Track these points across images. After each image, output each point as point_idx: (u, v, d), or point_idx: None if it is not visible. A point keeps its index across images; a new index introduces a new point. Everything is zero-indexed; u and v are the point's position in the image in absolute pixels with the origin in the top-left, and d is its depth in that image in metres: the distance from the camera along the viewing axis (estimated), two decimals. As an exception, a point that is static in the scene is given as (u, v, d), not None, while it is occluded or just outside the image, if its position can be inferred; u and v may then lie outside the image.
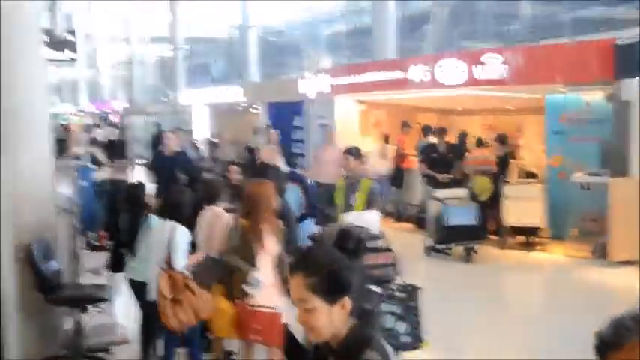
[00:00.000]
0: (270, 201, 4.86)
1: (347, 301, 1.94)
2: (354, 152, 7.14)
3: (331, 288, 1.91)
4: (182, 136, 12.07)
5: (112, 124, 30.46)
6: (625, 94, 9.21)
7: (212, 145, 14.16)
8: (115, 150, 18.68)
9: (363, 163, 7.22)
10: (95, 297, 5.72)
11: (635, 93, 9.21)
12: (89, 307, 5.78)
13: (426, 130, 12.18)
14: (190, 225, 5.19)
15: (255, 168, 7.14)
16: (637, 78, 9.31)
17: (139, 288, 5.25)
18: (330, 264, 1.94)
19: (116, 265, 5.81)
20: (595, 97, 9.76)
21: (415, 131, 13.10)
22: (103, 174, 10.35)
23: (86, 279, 6.76)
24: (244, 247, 4.71)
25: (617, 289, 7.59)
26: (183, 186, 7.07)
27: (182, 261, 4.90)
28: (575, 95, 10.01)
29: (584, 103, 9.97)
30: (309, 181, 8.70)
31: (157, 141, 17.56)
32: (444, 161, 10.62)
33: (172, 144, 9.83)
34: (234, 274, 4.72)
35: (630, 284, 7.27)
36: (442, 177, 10.44)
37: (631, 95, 9.18)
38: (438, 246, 9.79)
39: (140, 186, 6.17)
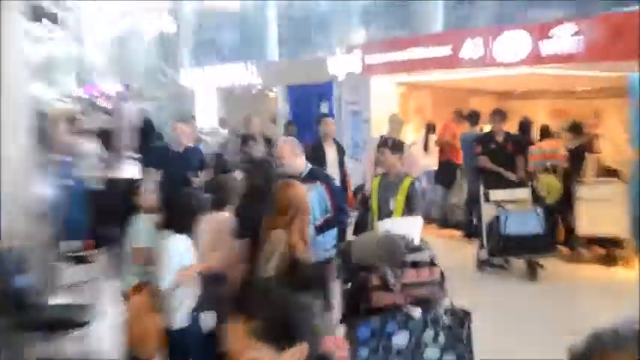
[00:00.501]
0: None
1: (300, 349, 1.89)
2: (391, 144, 7.05)
3: (281, 334, 1.86)
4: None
5: (102, 110, 30.71)
6: None
7: (243, 139, 13.46)
8: (108, 141, 18.76)
9: (402, 157, 7.12)
10: (75, 320, 5.66)
11: None
12: (67, 332, 5.73)
13: (472, 118, 11.97)
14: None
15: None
16: None
17: None
18: (281, 305, 1.91)
19: None
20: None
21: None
22: (91, 170, 10.37)
23: (65, 297, 6.73)
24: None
25: None
26: (194, 189, 7.04)
27: (167, 276, 4.80)
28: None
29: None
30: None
31: (148, 131, 17.53)
32: (503, 155, 10.38)
33: (185, 137, 9.43)
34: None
35: None
36: (509, 174, 10.20)
37: None
38: (494, 259, 9.70)
39: (135, 183, 6.23)
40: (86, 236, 9.43)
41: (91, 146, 11.55)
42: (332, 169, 8.63)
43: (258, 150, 10.43)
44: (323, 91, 16.27)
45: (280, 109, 18.73)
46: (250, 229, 5.10)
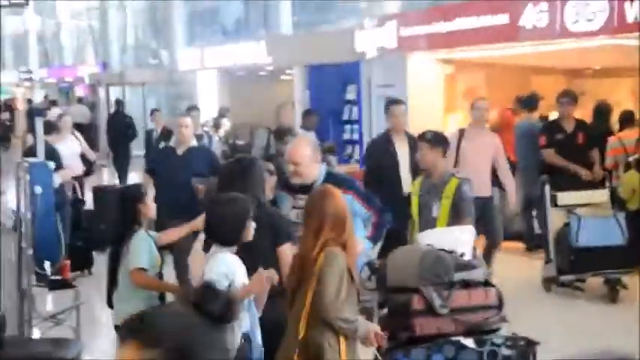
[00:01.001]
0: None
1: None
2: (432, 138, 7.13)
3: None
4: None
5: (77, 100, 30.93)
6: None
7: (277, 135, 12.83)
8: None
9: (445, 153, 7.25)
10: (54, 358, 5.78)
11: None
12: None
13: (530, 102, 11.98)
14: None
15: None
16: None
17: None
18: (181, 333, 1.87)
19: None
20: None
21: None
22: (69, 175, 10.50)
23: (41, 330, 6.87)
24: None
25: None
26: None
27: None
28: None
29: None
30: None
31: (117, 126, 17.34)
32: (573, 148, 10.35)
33: (188, 134, 9.03)
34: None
35: None
36: (582, 172, 10.11)
37: None
38: (565, 277, 9.58)
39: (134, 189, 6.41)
40: (65, 255, 9.58)
41: (72, 145, 11.69)
42: (404, 169, 8.70)
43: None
44: (349, 72, 16.32)
45: (297, 94, 18.69)
46: None
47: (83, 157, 12.02)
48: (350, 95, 16.57)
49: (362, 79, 15.86)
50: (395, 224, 7.44)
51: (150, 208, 5.87)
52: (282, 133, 10.65)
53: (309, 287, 4.46)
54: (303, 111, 14.76)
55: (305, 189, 5.80)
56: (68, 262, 9.14)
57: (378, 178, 8.68)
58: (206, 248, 4.95)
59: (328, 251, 4.49)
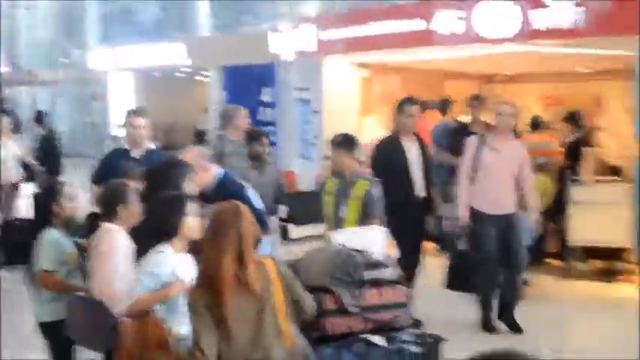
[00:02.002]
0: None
1: None
2: (342, 141, 7.27)
3: None
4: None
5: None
6: None
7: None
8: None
9: (355, 155, 7.40)
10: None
11: None
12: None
13: (443, 106, 12.25)
14: None
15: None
16: None
17: (48, 329, 5.67)
18: None
19: None
20: None
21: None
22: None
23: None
24: None
25: None
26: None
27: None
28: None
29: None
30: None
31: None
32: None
33: (144, 135, 8.16)
34: None
35: None
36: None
37: None
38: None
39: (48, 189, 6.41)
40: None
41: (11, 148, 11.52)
42: (415, 172, 8.42)
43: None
44: (264, 74, 16.36)
45: (213, 96, 18.67)
46: None
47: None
48: (266, 97, 16.58)
49: (277, 81, 15.90)
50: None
51: (64, 208, 5.83)
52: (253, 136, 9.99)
53: (275, 299, 4.14)
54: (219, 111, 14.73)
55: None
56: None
57: (388, 180, 7.96)
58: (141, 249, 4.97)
59: (279, 264, 4.37)
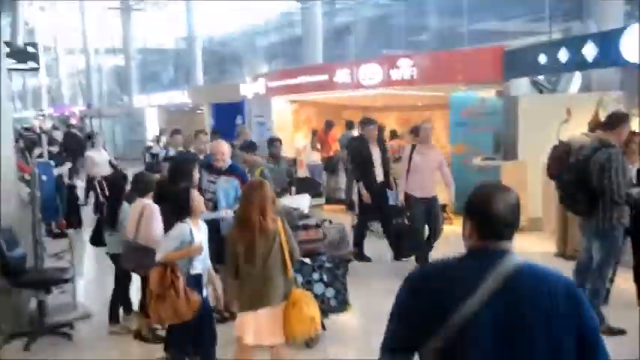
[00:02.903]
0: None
1: None
2: (246, 146, 7.28)
3: None
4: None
5: (72, 126, 29.33)
6: (513, 91, 9.55)
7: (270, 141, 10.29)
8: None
9: (254, 154, 7.17)
10: (57, 279, 5.51)
11: (520, 90, 9.57)
12: (52, 288, 5.57)
13: (349, 125, 12.26)
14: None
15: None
16: (522, 78, 9.66)
17: (115, 259, 5.35)
18: None
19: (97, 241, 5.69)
20: (489, 94, 10.04)
21: (341, 126, 13.17)
22: (64, 169, 9.99)
23: (49, 263, 6.51)
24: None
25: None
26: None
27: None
28: (473, 93, 10.28)
29: (480, 100, 10.24)
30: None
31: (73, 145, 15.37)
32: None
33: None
34: None
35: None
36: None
37: (518, 92, 9.53)
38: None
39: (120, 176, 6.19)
40: (62, 218, 9.12)
41: (104, 154, 11.11)
42: (377, 166, 7.76)
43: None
44: (238, 107, 16.16)
45: (206, 121, 18.48)
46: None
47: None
48: (238, 122, 16.34)
49: (245, 112, 15.74)
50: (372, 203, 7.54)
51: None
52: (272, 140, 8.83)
53: (282, 241, 3.87)
54: (211, 130, 14.46)
55: (219, 171, 5.66)
56: (64, 221, 8.70)
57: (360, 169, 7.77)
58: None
59: (283, 220, 4.03)
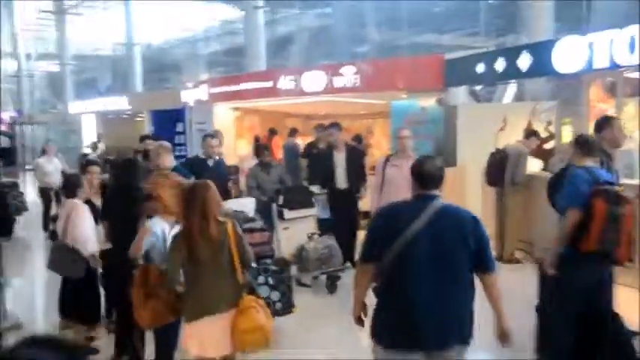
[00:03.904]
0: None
1: None
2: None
3: None
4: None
5: (1, 133, 28.03)
6: (452, 100, 9.78)
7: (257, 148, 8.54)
8: (5, 156, 17.19)
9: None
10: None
11: (459, 99, 9.82)
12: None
13: (292, 132, 12.23)
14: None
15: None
16: (461, 87, 9.92)
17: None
18: None
19: None
20: (429, 102, 10.24)
21: (284, 133, 13.11)
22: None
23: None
24: None
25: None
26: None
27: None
28: (414, 101, 10.46)
29: (420, 108, 10.42)
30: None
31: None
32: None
33: (214, 151, 7.19)
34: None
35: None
36: None
37: (457, 101, 9.77)
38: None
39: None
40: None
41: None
42: (339, 171, 7.35)
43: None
44: (178, 115, 15.82)
45: (146, 129, 18.01)
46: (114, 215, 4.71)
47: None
48: (179, 129, 15.96)
49: (186, 119, 15.43)
50: (337, 208, 7.09)
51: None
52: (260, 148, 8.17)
53: (231, 245, 3.62)
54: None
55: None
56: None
57: (321, 176, 7.47)
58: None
59: (234, 223, 3.78)
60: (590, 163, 4.13)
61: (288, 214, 6.90)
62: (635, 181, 6.43)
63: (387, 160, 6.49)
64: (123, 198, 4.62)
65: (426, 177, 2.99)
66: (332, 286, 6.57)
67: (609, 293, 4.12)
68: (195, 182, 3.93)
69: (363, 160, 7.76)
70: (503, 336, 3.00)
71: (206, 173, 6.10)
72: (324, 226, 7.06)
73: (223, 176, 6.92)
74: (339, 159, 7.40)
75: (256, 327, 3.58)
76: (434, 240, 2.85)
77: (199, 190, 3.67)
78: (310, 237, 6.71)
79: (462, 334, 2.92)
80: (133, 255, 3.95)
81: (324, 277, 6.68)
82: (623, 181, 5.03)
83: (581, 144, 4.24)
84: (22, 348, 1.05)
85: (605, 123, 4.67)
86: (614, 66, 7.15)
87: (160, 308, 3.79)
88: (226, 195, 6.51)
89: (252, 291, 3.83)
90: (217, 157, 7.31)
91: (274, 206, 6.93)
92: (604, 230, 3.77)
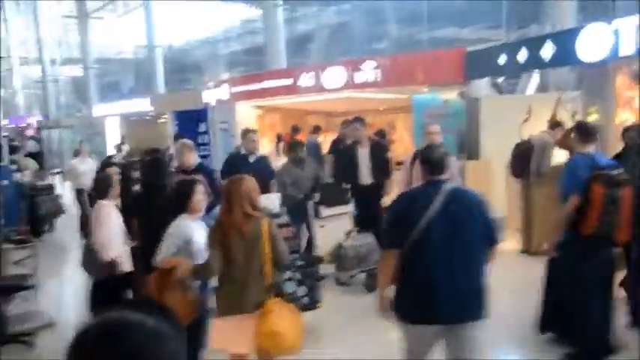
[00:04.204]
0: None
1: None
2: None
3: None
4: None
5: (30, 137, 28.54)
6: (474, 93, 9.70)
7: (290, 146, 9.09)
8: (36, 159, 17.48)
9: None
10: (19, 286, 5.30)
11: (482, 91, 9.73)
12: (14, 295, 5.35)
13: (315, 129, 12.27)
14: None
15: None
16: (483, 79, 9.83)
17: None
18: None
19: None
20: (451, 95, 10.16)
21: (306, 131, 13.14)
22: (25, 177, 9.67)
23: (11, 270, 6.26)
24: None
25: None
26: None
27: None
28: (436, 95, 10.39)
29: (442, 101, 10.35)
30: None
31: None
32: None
33: (256, 147, 7.14)
34: None
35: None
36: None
37: (479, 93, 9.69)
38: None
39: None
40: (21, 224, 8.80)
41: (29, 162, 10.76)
42: (362, 166, 7.23)
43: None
44: (201, 115, 15.95)
45: (169, 130, 18.17)
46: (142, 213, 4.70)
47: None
48: (202, 129, 16.09)
49: (208, 118, 15.54)
50: (361, 203, 6.94)
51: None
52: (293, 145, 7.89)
53: (264, 244, 3.58)
54: (175, 135, 14.19)
55: (186, 171, 5.54)
56: (28, 228, 8.41)
57: (344, 172, 7.28)
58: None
59: (271, 222, 3.73)
60: (589, 149, 4.30)
61: (324, 211, 6.72)
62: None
63: (416, 156, 5.87)
64: (149, 196, 4.68)
65: (434, 163, 3.29)
66: (370, 284, 6.28)
67: (610, 274, 4.25)
68: (231, 177, 3.89)
69: (387, 155, 7.59)
70: None
71: (246, 169, 6.00)
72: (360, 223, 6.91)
73: (265, 172, 6.73)
74: (363, 154, 7.31)
75: (273, 332, 3.52)
76: (448, 222, 3.12)
77: (232, 185, 3.66)
78: (348, 234, 6.65)
79: (478, 309, 3.16)
80: (160, 263, 3.85)
81: (362, 276, 6.55)
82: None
83: (581, 131, 4.45)
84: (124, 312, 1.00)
85: None
86: (640, 53, 7.01)
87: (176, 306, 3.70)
88: (268, 192, 6.41)
89: (279, 292, 3.78)
90: (258, 153, 7.15)
91: (311, 203, 6.76)
92: (603, 213, 3.92)
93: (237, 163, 6.62)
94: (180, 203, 3.95)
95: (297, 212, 6.35)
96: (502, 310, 3.11)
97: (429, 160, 3.32)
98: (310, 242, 6.99)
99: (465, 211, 3.17)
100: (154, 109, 19.65)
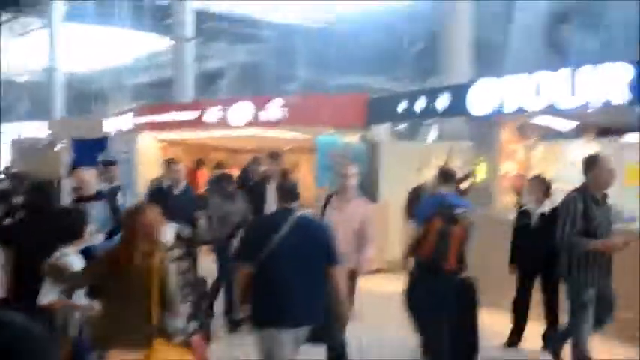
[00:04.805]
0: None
1: None
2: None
3: None
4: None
5: None
6: (375, 137, 10.10)
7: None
8: None
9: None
10: None
11: (382, 136, 10.15)
12: None
13: (217, 166, 12.19)
14: None
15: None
16: (384, 125, 10.26)
17: None
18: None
19: None
20: (353, 138, 10.50)
21: (209, 167, 13.02)
22: None
23: None
24: None
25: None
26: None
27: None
28: (339, 137, 10.68)
29: (344, 144, 10.65)
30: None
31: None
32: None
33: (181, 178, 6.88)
34: None
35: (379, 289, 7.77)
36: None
37: (379, 138, 10.09)
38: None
39: None
40: None
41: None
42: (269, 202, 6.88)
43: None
44: (101, 144, 15.41)
45: (65, 159, 17.34)
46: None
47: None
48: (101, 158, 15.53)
49: (108, 148, 15.02)
50: None
51: None
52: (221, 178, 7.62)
53: (152, 285, 3.32)
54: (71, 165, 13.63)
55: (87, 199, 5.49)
56: None
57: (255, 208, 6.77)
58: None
59: (164, 258, 3.47)
60: (445, 190, 5.36)
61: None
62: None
63: (328, 200, 5.42)
64: (36, 223, 4.40)
65: (286, 193, 3.84)
66: None
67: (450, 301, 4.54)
68: (131, 208, 3.75)
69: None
70: (340, 317, 3.96)
71: (173, 202, 5.75)
72: None
73: (190, 206, 6.49)
74: (272, 190, 6.97)
75: None
76: (294, 245, 3.63)
77: (129, 218, 3.51)
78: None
79: (315, 316, 3.75)
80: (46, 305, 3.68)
81: None
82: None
83: (441, 174, 5.59)
84: None
85: (591, 164, 4.58)
86: (521, 110, 7.64)
87: None
88: (193, 226, 6.12)
89: (165, 333, 3.48)
90: (183, 185, 6.80)
91: (235, 242, 6.11)
92: (436, 243, 4.50)
93: (162, 197, 6.23)
94: (73, 231, 3.83)
95: (224, 251, 5.99)
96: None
97: (282, 189, 3.91)
98: (229, 300, 6.10)
99: (309, 236, 3.73)
100: (52, 134, 18.72)
